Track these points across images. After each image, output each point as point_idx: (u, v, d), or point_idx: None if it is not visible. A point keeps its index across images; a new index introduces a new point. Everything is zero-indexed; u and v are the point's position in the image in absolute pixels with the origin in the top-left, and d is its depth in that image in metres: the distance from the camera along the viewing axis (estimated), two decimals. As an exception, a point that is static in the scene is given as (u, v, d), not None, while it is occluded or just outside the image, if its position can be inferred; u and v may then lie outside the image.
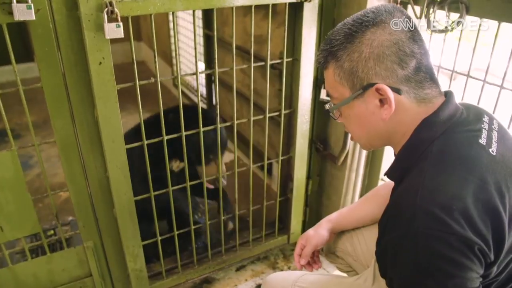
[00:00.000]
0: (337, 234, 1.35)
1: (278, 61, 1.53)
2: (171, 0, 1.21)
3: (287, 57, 1.54)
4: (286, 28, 1.47)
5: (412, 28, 0.83)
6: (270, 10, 1.40)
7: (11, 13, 1.05)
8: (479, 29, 1.24)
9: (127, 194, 1.42)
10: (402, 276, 0.78)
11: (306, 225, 1.99)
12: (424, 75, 0.83)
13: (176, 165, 1.78)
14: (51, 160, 2.73)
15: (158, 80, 1.32)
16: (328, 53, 0.87)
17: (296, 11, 1.49)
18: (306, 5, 1.44)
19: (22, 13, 1.06)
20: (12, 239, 1.34)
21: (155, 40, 1.28)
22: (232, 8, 1.33)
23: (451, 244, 0.71)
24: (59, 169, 2.36)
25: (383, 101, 0.84)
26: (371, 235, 1.26)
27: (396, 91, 0.82)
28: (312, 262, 1.31)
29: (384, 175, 0.97)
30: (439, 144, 0.81)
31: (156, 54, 1.29)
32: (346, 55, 0.83)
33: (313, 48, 1.54)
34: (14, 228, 1.33)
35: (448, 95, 0.88)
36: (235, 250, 1.84)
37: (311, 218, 2.00)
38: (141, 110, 1.32)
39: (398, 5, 0.89)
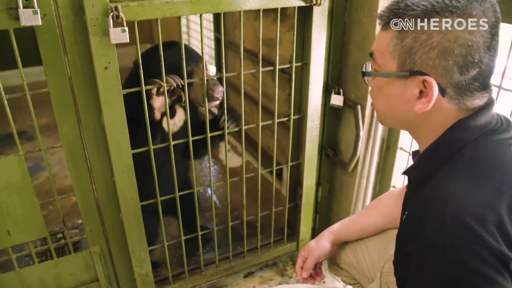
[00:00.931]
0: (340, 245, 1.32)
1: (287, 65, 1.51)
2: (178, 4, 1.20)
3: (296, 62, 1.51)
4: (295, 32, 1.45)
5: (494, 32, 0.74)
6: (279, 14, 1.38)
7: (18, 18, 1.06)
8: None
9: (133, 199, 1.41)
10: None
11: (316, 231, 1.96)
12: (478, 85, 0.76)
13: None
14: (63, 163, 2.74)
15: (165, 86, 1.31)
16: (396, 15, 0.76)
17: (305, 14, 1.46)
18: (316, 9, 1.41)
19: (29, 18, 1.06)
20: (19, 243, 1.35)
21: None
22: (241, 11, 1.32)
23: (484, 258, 0.65)
24: (71, 171, 2.39)
25: (423, 93, 0.78)
26: (375, 246, 1.23)
27: (442, 92, 0.76)
28: (315, 274, 1.28)
29: (403, 173, 0.93)
30: (471, 149, 0.76)
31: (162, 59, 1.28)
32: (413, 31, 0.75)
33: (323, 53, 1.52)
34: (21, 232, 1.33)
35: (489, 101, 0.81)
36: (243, 256, 1.81)
37: (321, 225, 1.96)
38: (147, 114, 1.31)
39: None
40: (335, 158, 1.78)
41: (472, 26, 0.72)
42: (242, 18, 1.34)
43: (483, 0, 0.73)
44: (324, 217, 1.97)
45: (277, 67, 1.48)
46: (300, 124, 1.66)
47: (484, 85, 0.77)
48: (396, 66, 0.79)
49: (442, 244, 0.68)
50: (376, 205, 1.28)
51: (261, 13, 1.35)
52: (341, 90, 1.64)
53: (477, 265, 0.65)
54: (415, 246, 0.74)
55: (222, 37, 1.33)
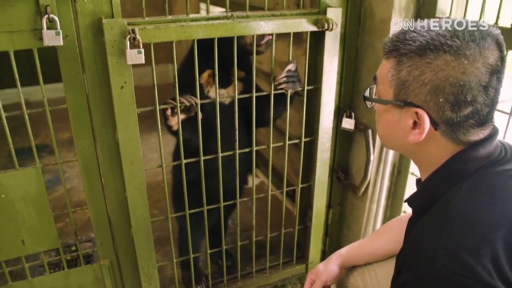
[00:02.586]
0: (349, 269, 1.31)
1: (300, 88, 1.54)
2: (193, 28, 1.25)
3: (309, 85, 1.54)
4: (307, 57, 1.48)
5: (494, 71, 0.73)
6: (291, 38, 1.42)
7: (41, 38, 1.12)
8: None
9: (144, 215, 1.44)
10: None
11: (326, 254, 1.94)
12: (472, 123, 0.76)
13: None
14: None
15: (178, 105, 1.35)
16: (395, 48, 0.79)
17: (318, 39, 1.50)
18: (328, 34, 1.45)
19: (51, 39, 1.12)
20: (33, 253, 1.39)
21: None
22: (254, 35, 1.36)
23: None
24: (88, 186, 2.45)
25: (416, 124, 0.79)
26: (383, 271, 1.22)
27: (434, 125, 0.77)
28: None
29: (405, 201, 0.93)
30: (471, 180, 0.76)
31: (176, 79, 1.33)
32: (408, 65, 0.76)
33: (335, 77, 1.54)
34: (34, 242, 1.37)
35: (494, 131, 0.81)
36: (252, 277, 1.81)
37: (331, 248, 1.95)
38: (160, 133, 1.35)
39: (495, 29, 0.75)
40: (346, 181, 1.78)
41: (464, 66, 0.71)
42: (255, 42, 1.38)
43: (481, 39, 0.72)
44: (335, 240, 1.95)
45: (288, 89, 1.50)
46: (312, 147, 1.67)
47: (481, 122, 0.77)
48: (393, 94, 0.80)
49: (434, 277, 0.68)
50: (385, 229, 1.27)
51: (273, 37, 1.39)
52: (353, 114, 1.65)
53: None
54: (409, 277, 0.74)
55: (235, 60, 1.37)
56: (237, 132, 1.46)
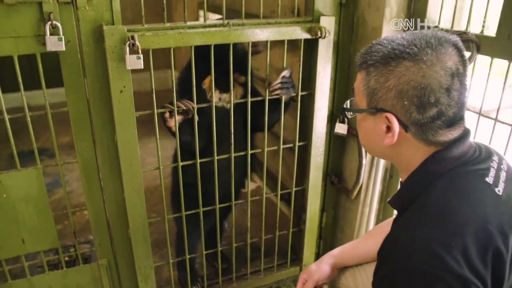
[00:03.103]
0: (341, 269, 1.34)
1: (293, 94, 1.58)
2: (190, 35, 1.30)
3: (302, 91, 1.58)
4: (301, 63, 1.53)
5: (456, 74, 0.79)
6: (286, 45, 1.46)
7: (44, 44, 1.17)
8: (490, 68, 1.25)
9: (142, 216, 1.48)
10: None
11: (320, 257, 1.97)
12: (440, 124, 0.82)
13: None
14: (80, 180, 2.86)
15: (175, 109, 1.39)
16: (364, 61, 0.86)
17: (312, 46, 1.55)
18: (321, 41, 1.50)
19: (54, 44, 1.17)
20: (32, 252, 1.42)
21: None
22: (249, 42, 1.41)
23: (447, 281, 0.71)
24: (87, 189, 2.50)
25: (389, 128, 0.85)
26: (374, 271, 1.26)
27: (404, 127, 0.83)
28: None
29: (388, 202, 0.98)
30: (445, 179, 0.82)
31: (174, 84, 1.37)
32: (375, 74, 0.84)
33: (328, 83, 1.59)
34: (34, 241, 1.41)
35: (464, 132, 0.86)
36: (246, 278, 1.85)
37: (325, 251, 1.97)
38: (157, 136, 1.40)
39: (453, 36, 0.83)
40: (340, 185, 1.82)
41: (423, 70, 0.78)
42: (250, 48, 1.43)
43: (438, 45, 0.79)
44: (329, 243, 1.99)
45: (283, 95, 1.55)
46: (306, 151, 1.72)
47: (448, 124, 0.82)
48: (366, 103, 0.87)
49: (409, 269, 0.74)
50: (377, 231, 1.31)
51: (268, 44, 1.44)
52: (346, 119, 1.70)
53: None
54: (386, 271, 0.80)
55: (231, 67, 1.42)
56: (232, 135, 1.51)
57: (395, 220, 0.94)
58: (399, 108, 0.81)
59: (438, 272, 0.71)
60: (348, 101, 0.96)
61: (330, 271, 1.30)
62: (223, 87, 1.51)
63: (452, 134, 0.84)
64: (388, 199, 0.99)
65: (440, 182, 0.81)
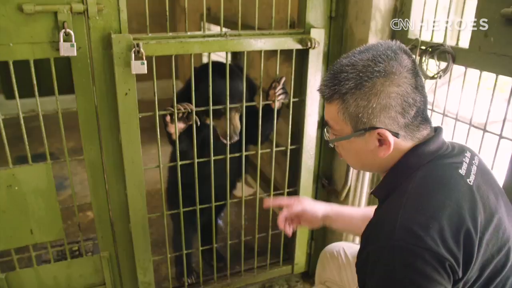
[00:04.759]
0: (327, 263, 1.44)
1: (286, 100, 1.70)
2: (190, 44, 1.42)
3: (294, 97, 1.70)
4: (293, 72, 1.65)
5: (414, 73, 0.89)
6: (278, 55, 1.58)
7: (58, 49, 1.29)
8: (464, 77, 1.36)
9: (142, 211, 1.59)
10: (377, 285, 0.86)
11: (311, 257, 2.07)
12: (420, 119, 0.92)
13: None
14: (84, 183, 2.96)
15: (175, 113, 1.51)
16: (334, 91, 0.90)
17: (303, 56, 1.67)
18: (311, 52, 1.62)
19: (67, 50, 1.29)
20: (40, 242, 1.53)
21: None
22: (245, 51, 1.53)
23: (424, 258, 0.79)
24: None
25: (382, 142, 0.93)
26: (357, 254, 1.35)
27: (395, 135, 0.91)
28: (290, 222, 1.34)
29: (371, 193, 1.07)
30: (424, 170, 0.91)
31: (175, 90, 1.49)
32: (354, 100, 0.88)
33: (318, 90, 1.70)
34: (42, 232, 1.52)
35: (438, 130, 0.97)
36: (240, 275, 1.94)
37: (317, 251, 2.07)
38: (159, 138, 1.51)
39: (396, 42, 0.92)
40: (329, 187, 1.92)
41: (396, 81, 0.87)
42: (245, 58, 1.55)
43: (396, 55, 0.88)
44: (320, 243, 2.08)
45: (276, 102, 1.67)
46: (297, 154, 1.82)
47: (424, 117, 0.93)
48: (351, 128, 0.93)
49: (391, 246, 0.83)
50: (366, 208, 1.37)
51: (262, 54, 1.57)
52: (335, 125, 1.80)
53: (418, 264, 0.80)
54: (371, 249, 0.88)
55: (227, 76, 1.54)
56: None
57: (377, 208, 1.03)
58: (388, 120, 0.89)
59: (418, 250, 0.80)
60: (326, 134, 1.02)
61: (320, 216, 1.31)
62: (219, 115, 1.65)
63: (427, 128, 0.94)
64: (371, 190, 1.07)
65: (419, 173, 0.91)
